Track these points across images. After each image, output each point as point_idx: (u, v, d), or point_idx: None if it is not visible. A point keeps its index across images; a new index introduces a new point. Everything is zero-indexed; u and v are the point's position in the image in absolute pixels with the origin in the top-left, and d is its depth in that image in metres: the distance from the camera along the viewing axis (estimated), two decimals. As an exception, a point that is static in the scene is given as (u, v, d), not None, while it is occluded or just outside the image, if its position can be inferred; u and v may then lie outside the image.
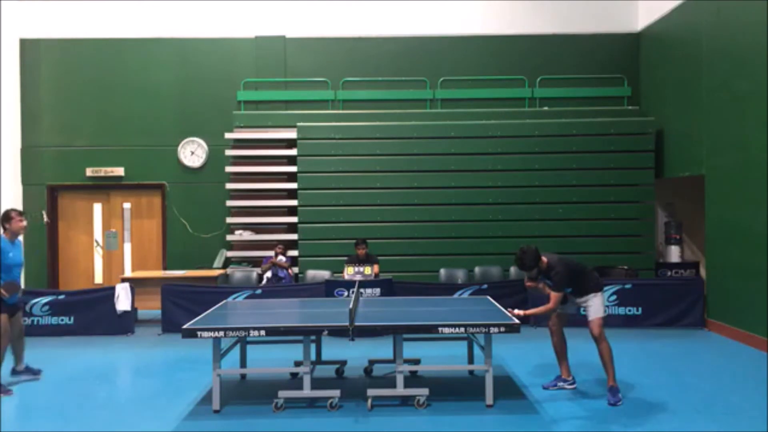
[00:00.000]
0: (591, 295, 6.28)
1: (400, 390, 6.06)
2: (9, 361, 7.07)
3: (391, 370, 6.69)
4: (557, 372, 6.71)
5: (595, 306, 6.25)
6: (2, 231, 6.74)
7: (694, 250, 11.57)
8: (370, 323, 6.22)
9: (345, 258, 10.35)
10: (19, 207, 12.17)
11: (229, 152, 11.81)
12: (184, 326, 6.02)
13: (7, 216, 6.70)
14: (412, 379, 6.81)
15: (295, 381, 6.77)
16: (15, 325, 6.93)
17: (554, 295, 6.20)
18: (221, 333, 5.94)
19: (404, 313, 7.00)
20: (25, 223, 6.86)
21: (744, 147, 8.82)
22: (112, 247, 12.22)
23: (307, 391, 6.05)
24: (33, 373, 7.17)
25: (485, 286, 9.82)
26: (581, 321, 6.56)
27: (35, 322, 9.61)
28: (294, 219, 11.50)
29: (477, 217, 11.30)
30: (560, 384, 6.59)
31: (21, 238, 6.99)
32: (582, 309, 6.46)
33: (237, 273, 10.92)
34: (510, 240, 11.09)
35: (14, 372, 7.13)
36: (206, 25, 12.35)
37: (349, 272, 9.87)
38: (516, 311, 6.11)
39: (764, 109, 8.28)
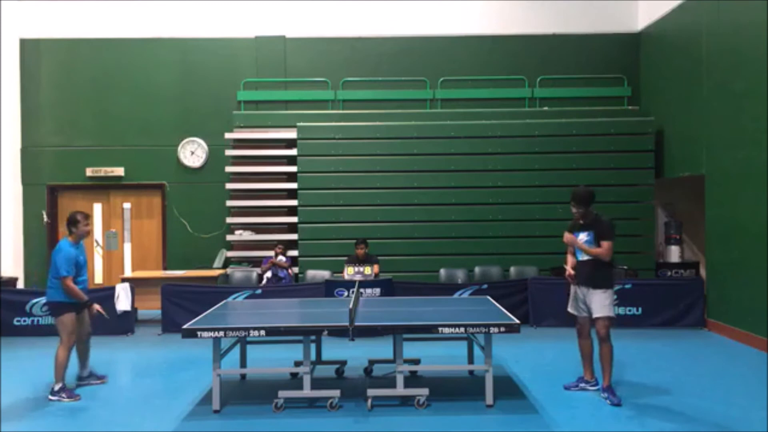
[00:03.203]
0: (604, 290, 6.16)
1: (400, 390, 6.06)
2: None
3: (391, 370, 6.69)
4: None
5: (605, 304, 6.14)
6: (67, 234, 6.69)
7: (694, 250, 11.56)
8: (370, 323, 6.22)
9: (345, 258, 10.36)
10: (20, 207, 12.24)
11: (229, 152, 11.82)
12: (184, 326, 6.01)
13: (73, 219, 6.63)
14: (412, 379, 6.81)
15: (295, 381, 6.77)
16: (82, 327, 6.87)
17: (606, 244, 6.12)
18: (221, 333, 5.94)
19: (404, 313, 6.99)
20: (89, 227, 6.81)
21: (744, 147, 8.82)
22: (112, 247, 12.21)
23: (307, 391, 6.05)
24: (98, 378, 7.07)
25: (485, 286, 9.82)
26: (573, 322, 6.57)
27: (35, 322, 9.66)
28: (294, 219, 11.50)
29: (477, 217, 11.30)
30: (582, 385, 6.49)
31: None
32: (589, 304, 6.24)
33: (237, 273, 10.92)
34: (510, 240, 11.14)
35: (80, 378, 7.01)
36: (206, 25, 12.35)
37: (349, 272, 9.87)
38: (570, 237, 6.21)
39: (764, 109, 8.28)
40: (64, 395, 6.45)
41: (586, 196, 6.21)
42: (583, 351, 6.51)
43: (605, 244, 6.12)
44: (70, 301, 6.56)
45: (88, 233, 6.88)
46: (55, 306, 6.63)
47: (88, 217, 6.76)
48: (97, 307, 6.81)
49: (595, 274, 6.18)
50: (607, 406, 6.01)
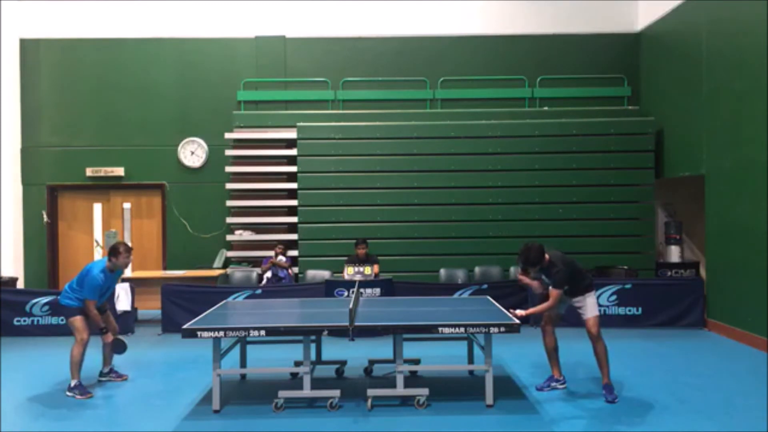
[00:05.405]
0: (585, 294, 6.30)
1: (400, 390, 6.06)
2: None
3: (391, 370, 6.69)
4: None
5: (590, 305, 6.27)
6: (107, 261, 6.80)
7: (694, 250, 11.57)
8: (370, 323, 6.22)
9: (345, 258, 10.36)
10: (20, 207, 12.24)
11: (229, 152, 11.82)
12: (184, 326, 6.02)
13: (116, 250, 6.74)
14: (412, 379, 6.81)
15: (295, 381, 6.77)
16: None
17: (554, 293, 6.18)
18: (221, 333, 5.94)
19: (404, 313, 6.99)
20: (130, 260, 6.94)
21: (744, 147, 8.82)
22: (113, 247, 12.19)
23: (307, 391, 6.05)
24: (119, 375, 7.25)
25: (485, 286, 9.82)
26: (575, 321, 6.58)
27: (35, 322, 9.66)
28: (294, 219, 11.51)
29: (477, 217, 11.30)
30: (553, 384, 6.59)
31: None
32: (578, 309, 6.41)
33: (237, 273, 10.92)
34: (510, 240, 11.10)
35: (101, 374, 7.20)
36: (206, 25, 12.35)
37: (349, 272, 9.87)
38: (517, 311, 6.12)
39: (764, 109, 8.28)
40: (77, 392, 6.58)
41: (536, 253, 6.09)
42: (550, 349, 6.61)
43: (552, 293, 6.20)
44: (78, 305, 6.74)
45: (127, 266, 7.09)
46: (64, 309, 6.86)
47: (130, 250, 6.87)
48: (108, 339, 6.91)
49: (576, 285, 6.28)
50: (606, 405, 6.02)
